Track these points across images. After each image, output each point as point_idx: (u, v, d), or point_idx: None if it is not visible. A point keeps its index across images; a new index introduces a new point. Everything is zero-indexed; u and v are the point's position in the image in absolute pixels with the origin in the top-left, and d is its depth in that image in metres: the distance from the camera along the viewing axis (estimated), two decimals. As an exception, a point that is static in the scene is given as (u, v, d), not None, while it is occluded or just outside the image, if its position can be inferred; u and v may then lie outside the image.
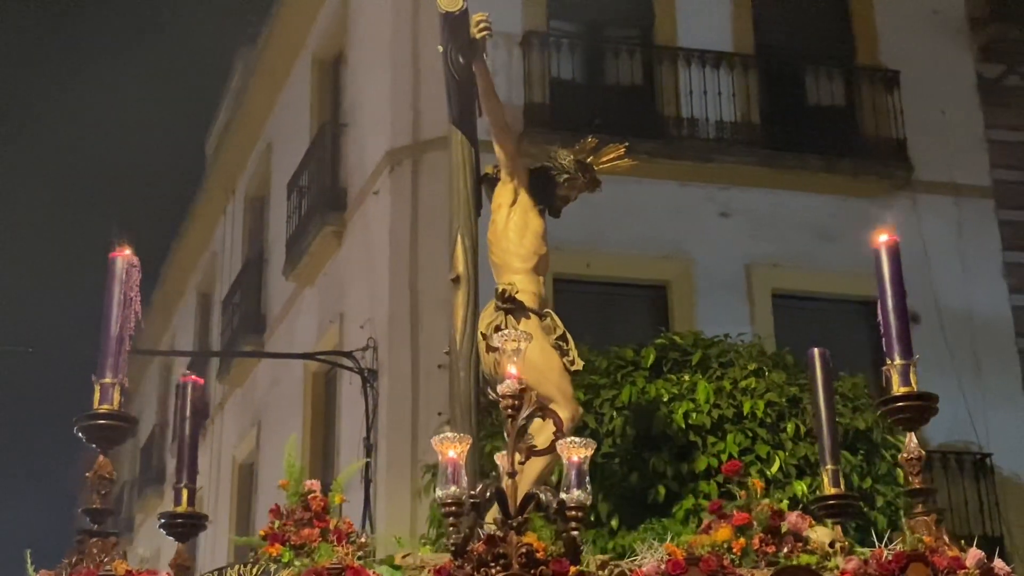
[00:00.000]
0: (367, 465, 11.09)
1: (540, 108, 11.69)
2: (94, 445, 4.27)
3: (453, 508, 3.95)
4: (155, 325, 22.84)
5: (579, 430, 7.50)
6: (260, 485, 15.32)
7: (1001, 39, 13.29)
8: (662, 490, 6.94)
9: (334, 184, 13.37)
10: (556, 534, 4.05)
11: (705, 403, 7.18)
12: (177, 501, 4.62)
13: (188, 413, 4.84)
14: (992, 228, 12.63)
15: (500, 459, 4.14)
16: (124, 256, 4.47)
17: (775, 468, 7.05)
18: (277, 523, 4.26)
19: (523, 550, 3.86)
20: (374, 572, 4.00)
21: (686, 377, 7.36)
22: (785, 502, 4.75)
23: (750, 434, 7.18)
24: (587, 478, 4.07)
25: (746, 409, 7.20)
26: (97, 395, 4.26)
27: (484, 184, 5.62)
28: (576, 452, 4.10)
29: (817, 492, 7.12)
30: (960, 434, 11.61)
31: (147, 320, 23.48)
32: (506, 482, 4.06)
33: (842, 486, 5.10)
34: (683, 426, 7.09)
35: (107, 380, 4.27)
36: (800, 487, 7.03)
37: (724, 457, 7.06)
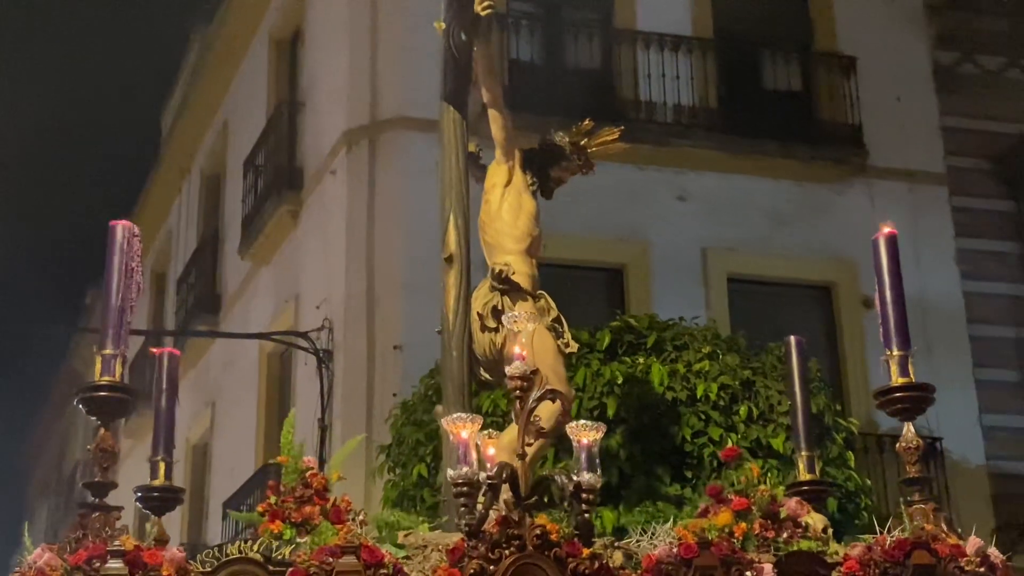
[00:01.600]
0: (321, 445, 11.07)
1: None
2: (95, 418, 4.20)
3: (465, 489, 3.94)
4: (109, 304, 22.62)
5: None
6: (214, 466, 15.25)
7: (957, 27, 13.41)
8: (615, 473, 6.97)
9: (290, 163, 13.29)
10: (572, 516, 4.06)
11: (659, 386, 7.21)
12: (153, 475, 4.56)
13: (164, 385, 4.75)
14: (945, 215, 12.74)
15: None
16: (124, 225, 4.36)
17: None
18: (275, 499, 4.20)
19: (537, 531, 3.87)
20: (387, 551, 3.98)
21: (641, 360, 7.39)
22: (781, 489, 4.75)
23: (703, 416, 7.22)
24: (598, 460, 4.08)
25: (699, 392, 7.24)
26: (98, 367, 4.19)
27: (468, 163, 5.61)
28: (586, 435, 4.10)
29: (769, 475, 7.20)
30: (911, 418, 11.73)
31: (101, 298, 23.26)
32: (516, 464, 4.07)
33: (817, 472, 5.14)
34: (635, 408, 7.11)
35: (108, 352, 4.21)
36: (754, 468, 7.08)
37: (677, 440, 7.10)
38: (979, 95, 13.21)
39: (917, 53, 13.24)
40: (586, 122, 5.71)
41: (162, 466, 4.58)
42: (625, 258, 11.71)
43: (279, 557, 3.94)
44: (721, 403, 7.26)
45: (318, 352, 11.53)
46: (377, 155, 11.69)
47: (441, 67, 5.56)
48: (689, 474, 7.08)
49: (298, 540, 4.01)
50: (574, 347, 5.38)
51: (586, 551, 3.92)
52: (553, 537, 3.88)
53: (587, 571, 3.88)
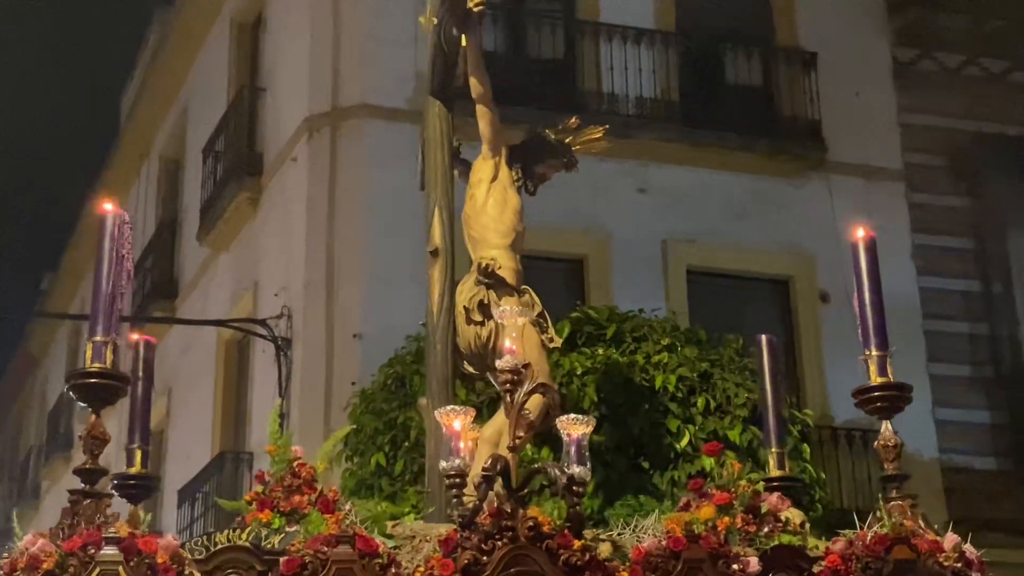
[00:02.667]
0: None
1: (459, 79, 11.64)
2: (86, 404, 4.18)
3: (456, 480, 3.98)
4: (65, 288, 22.45)
5: (493, 401, 7.55)
6: (169, 452, 15.16)
7: (916, 24, 13.52)
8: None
9: (251, 149, 13.22)
10: (566, 508, 4.09)
11: (618, 377, 7.23)
12: (130, 462, 4.53)
13: (140, 373, 4.71)
14: (902, 210, 12.86)
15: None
16: (115, 212, 4.32)
17: (684, 442, 7.13)
18: (262, 488, 4.19)
19: (530, 523, 3.91)
20: (381, 541, 3.98)
21: (600, 351, 7.41)
22: (760, 484, 4.77)
23: (661, 408, 7.25)
24: (587, 453, 4.12)
25: (658, 384, 7.27)
26: (89, 353, 4.16)
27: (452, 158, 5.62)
28: (575, 429, 4.15)
29: (725, 466, 7.25)
30: (865, 412, 11.84)
31: (57, 282, 23.07)
32: (508, 456, 4.10)
33: (787, 468, 5.19)
34: (595, 399, 7.14)
35: (99, 338, 4.18)
36: (708, 462, 7.12)
37: (635, 431, 7.13)
38: (937, 92, 13.33)
39: (877, 49, 13.34)
40: (572, 120, 5.73)
41: (139, 454, 4.55)
42: (585, 249, 11.74)
43: (268, 546, 3.94)
44: (679, 395, 7.30)
45: (276, 340, 11.48)
46: (338, 143, 11.65)
47: (429, 62, 5.56)
48: (647, 464, 7.12)
49: (287, 529, 4.00)
50: (558, 342, 5.44)
51: (577, 543, 3.96)
52: (545, 529, 3.92)
53: (578, 562, 3.92)
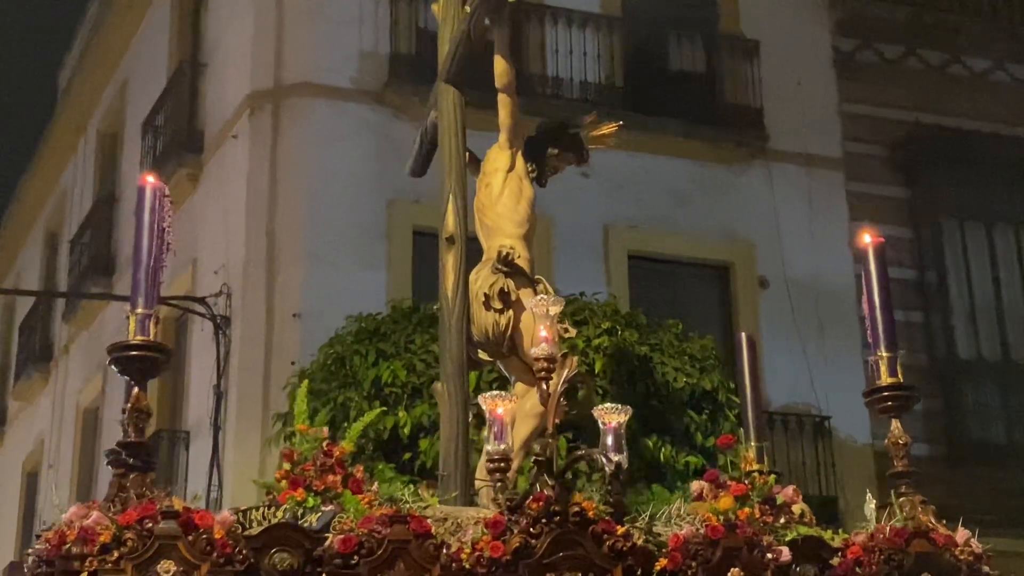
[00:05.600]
0: (216, 412, 10.96)
1: (406, 59, 11.61)
2: (129, 378, 4.15)
3: (501, 464, 4.09)
4: (-2, 263, 22.07)
5: (433, 382, 7.54)
6: (105, 431, 15.00)
7: (858, 14, 13.65)
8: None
9: (191, 125, 13.07)
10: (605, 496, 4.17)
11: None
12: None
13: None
14: (840, 199, 13.00)
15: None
16: (154, 185, 4.27)
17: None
18: (292, 467, 4.14)
19: (576, 509, 3.98)
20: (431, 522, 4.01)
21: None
22: (772, 476, 4.81)
23: (600, 392, 7.29)
24: (624, 441, 4.24)
25: (598, 367, 7.31)
26: (132, 326, 4.14)
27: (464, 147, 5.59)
28: (612, 417, 4.25)
29: (663, 448, 7.31)
30: (801, 397, 12.00)
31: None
32: (548, 443, 4.18)
33: (766, 462, 5.26)
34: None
35: (141, 311, 4.16)
36: (647, 444, 7.19)
37: (572, 413, 7.15)
38: (877, 82, 13.48)
39: (818, 39, 13.46)
40: (591, 116, 5.76)
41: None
42: (528, 232, 11.74)
43: (305, 524, 3.92)
44: (619, 379, 7.35)
45: (215, 318, 11.39)
46: (280, 120, 11.56)
47: (450, 48, 5.52)
48: (583, 449, 7.14)
49: (323, 508, 3.97)
50: (572, 332, 5.46)
51: (620, 529, 4.05)
52: (591, 514, 4.01)
53: (623, 548, 4.01)
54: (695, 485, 4.62)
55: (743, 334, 5.55)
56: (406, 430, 7.23)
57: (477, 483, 4.11)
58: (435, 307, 5.35)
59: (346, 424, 7.43)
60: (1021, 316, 13.38)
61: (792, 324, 12.01)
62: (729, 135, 12.51)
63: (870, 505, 4.73)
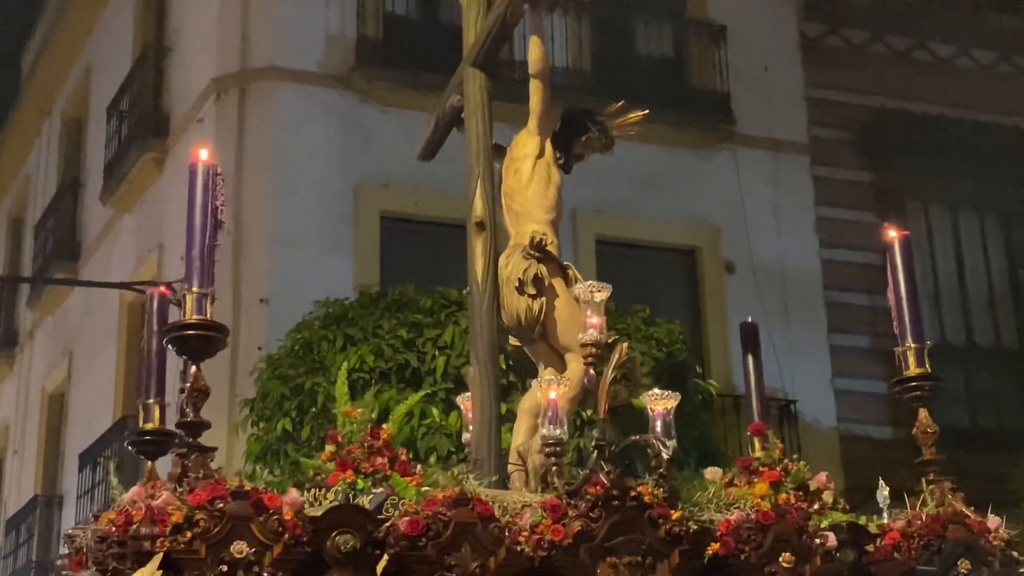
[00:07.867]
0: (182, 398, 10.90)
1: (372, 43, 11.56)
2: (186, 356, 4.12)
3: (556, 449, 4.21)
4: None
5: (402, 367, 7.55)
6: (70, 416, 14.92)
7: (824, 0, 13.71)
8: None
9: (156, 109, 12.99)
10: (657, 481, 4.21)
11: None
12: (147, 418, 4.49)
13: (155, 326, 4.68)
14: (806, 183, 13.07)
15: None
16: (206, 163, 4.26)
17: (588, 412, 7.21)
18: (337, 448, 4.12)
19: (633, 494, 4.05)
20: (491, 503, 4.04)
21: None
22: (803, 463, 4.82)
23: (568, 376, 7.31)
24: (672, 428, 4.32)
25: (565, 351, 7.32)
26: (188, 305, 4.12)
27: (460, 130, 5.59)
28: (659, 403, 4.33)
29: (770, 446, 7.32)
30: (768, 380, 11.99)
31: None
32: (605, 427, 4.28)
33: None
34: (504, 367, 7.17)
35: (196, 290, 4.14)
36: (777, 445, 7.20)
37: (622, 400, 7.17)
38: (843, 68, 13.54)
39: (785, 24, 13.50)
40: (620, 104, 5.74)
41: (156, 409, 4.50)
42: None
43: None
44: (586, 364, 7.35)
45: (181, 303, 11.32)
46: (246, 104, 11.50)
47: (483, 32, 5.51)
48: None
49: (374, 491, 3.96)
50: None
51: (675, 514, 4.09)
52: (647, 499, 4.06)
53: (681, 532, 4.06)
54: (711, 472, 4.65)
55: (748, 320, 5.63)
56: (374, 415, 7.22)
57: (509, 467, 4.17)
58: (464, 292, 5.36)
59: (313, 409, 7.43)
60: (985, 301, 13.51)
61: (758, 308, 12.05)
62: (696, 120, 12.53)
63: (883, 492, 4.79)
